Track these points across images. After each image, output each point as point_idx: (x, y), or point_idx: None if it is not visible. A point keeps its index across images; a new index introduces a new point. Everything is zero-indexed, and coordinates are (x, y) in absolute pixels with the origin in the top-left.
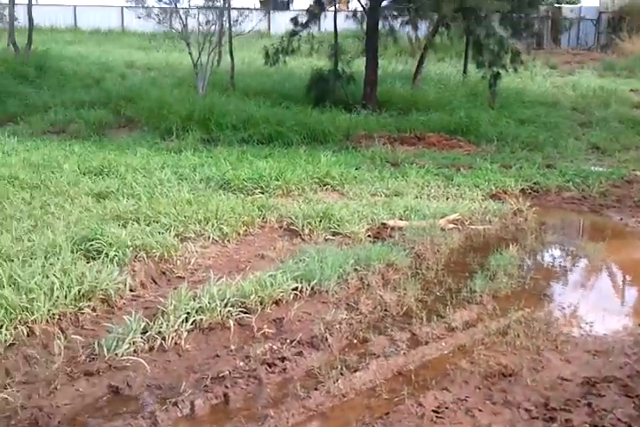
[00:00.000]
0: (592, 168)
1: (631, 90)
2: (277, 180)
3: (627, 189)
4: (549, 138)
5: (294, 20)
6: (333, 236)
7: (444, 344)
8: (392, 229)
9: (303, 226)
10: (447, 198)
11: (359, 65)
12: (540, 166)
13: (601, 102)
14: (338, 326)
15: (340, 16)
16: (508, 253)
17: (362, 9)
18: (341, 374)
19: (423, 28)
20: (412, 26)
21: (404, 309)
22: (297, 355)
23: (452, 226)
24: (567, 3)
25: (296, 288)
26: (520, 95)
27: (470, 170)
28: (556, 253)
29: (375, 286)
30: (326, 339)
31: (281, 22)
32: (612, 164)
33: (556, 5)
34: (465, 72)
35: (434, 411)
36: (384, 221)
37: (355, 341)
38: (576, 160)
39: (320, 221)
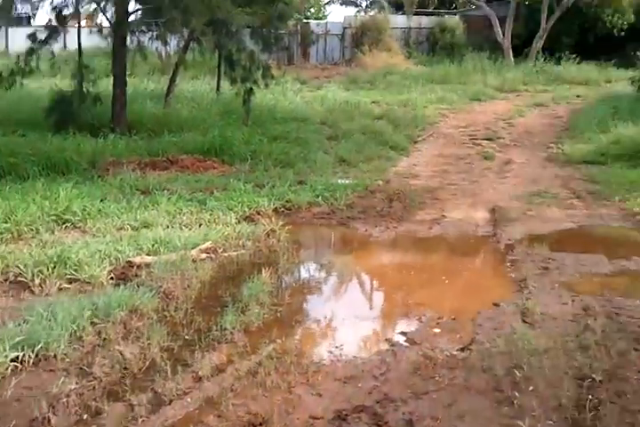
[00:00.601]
0: (339, 181)
1: (372, 102)
2: (6, 222)
3: (370, 200)
4: (300, 153)
5: (32, 37)
6: (69, 283)
7: (189, 400)
8: (139, 266)
9: (33, 276)
10: (200, 225)
11: (107, 85)
12: (293, 183)
13: (346, 116)
14: (65, 400)
15: (86, 32)
16: (260, 279)
17: (108, 23)
18: None
19: (174, 43)
20: (162, 41)
21: (147, 363)
22: None
23: (204, 256)
24: (315, 18)
25: (16, 358)
26: (272, 111)
27: (224, 192)
28: (307, 271)
29: (115, 339)
30: (49, 420)
31: (21, 39)
32: (357, 175)
33: (305, 21)
34: (218, 89)
35: None
36: (129, 259)
37: (85, 416)
38: (325, 174)
39: (54, 267)
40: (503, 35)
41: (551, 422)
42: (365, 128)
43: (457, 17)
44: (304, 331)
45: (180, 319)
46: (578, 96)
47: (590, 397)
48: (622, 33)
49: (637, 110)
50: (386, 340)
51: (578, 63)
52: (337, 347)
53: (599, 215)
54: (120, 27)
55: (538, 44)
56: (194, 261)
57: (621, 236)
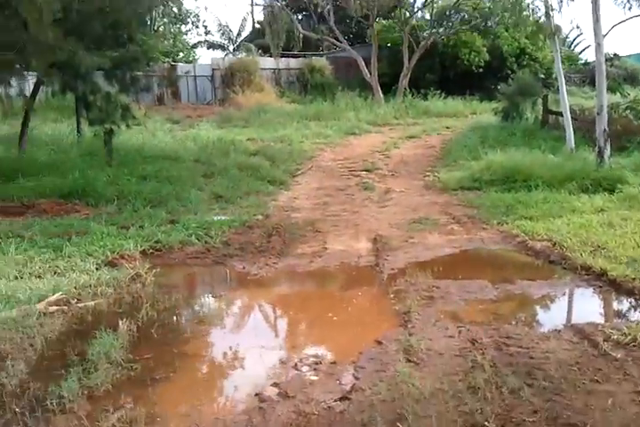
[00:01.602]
0: (215, 218)
1: (248, 139)
2: None
3: (248, 236)
4: (172, 192)
5: None
6: None
7: None
8: None
9: None
10: (55, 273)
11: None
12: (164, 223)
13: (221, 153)
14: None
15: None
16: (116, 332)
17: None
18: None
19: (26, 85)
20: (2, 84)
21: None
22: None
23: (54, 308)
24: (185, 62)
25: None
26: (140, 151)
27: (85, 236)
28: (173, 318)
29: None
30: None
31: None
32: (235, 211)
33: (173, 63)
34: (79, 131)
35: None
36: None
37: None
38: (200, 212)
39: None
40: (370, 74)
41: None
42: (242, 164)
43: (324, 58)
44: (160, 391)
45: (12, 388)
46: (447, 127)
47: None
48: (480, 69)
49: (503, 138)
50: (256, 395)
51: (444, 98)
52: (197, 408)
53: (480, 239)
54: None
55: (404, 81)
56: (41, 315)
57: (503, 258)
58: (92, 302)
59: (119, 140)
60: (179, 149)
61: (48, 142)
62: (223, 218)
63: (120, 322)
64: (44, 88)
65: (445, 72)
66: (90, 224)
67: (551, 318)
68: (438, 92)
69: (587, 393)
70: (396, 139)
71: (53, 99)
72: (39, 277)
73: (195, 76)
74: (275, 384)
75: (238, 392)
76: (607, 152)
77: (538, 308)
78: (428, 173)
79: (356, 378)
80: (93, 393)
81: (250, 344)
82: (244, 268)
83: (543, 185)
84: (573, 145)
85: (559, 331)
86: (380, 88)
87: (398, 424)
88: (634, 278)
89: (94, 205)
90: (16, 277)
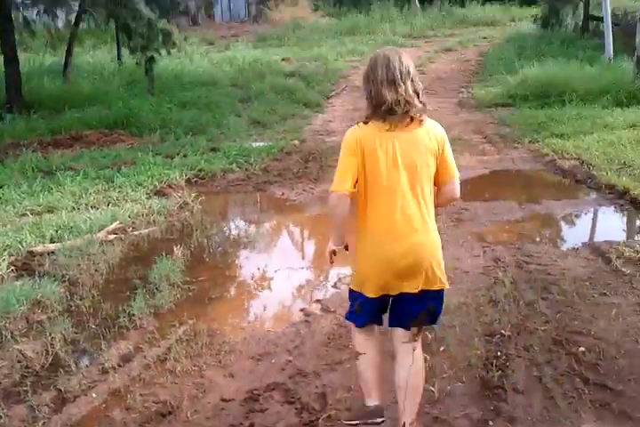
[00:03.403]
0: (254, 144)
1: (283, 59)
2: None
3: (286, 162)
4: (212, 119)
5: None
6: None
7: (94, 395)
8: (42, 255)
9: None
10: (108, 204)
11: None
12: (205, 151)
13: (257, 75)
14: None
15: None
16: (172, 257)
17: None
18: None
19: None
20: (50, 15)
21: (50, 359)
22: None
23: (112, 237)
24: None
25: None
26: (179, 77)
27: (133, 166)
28: (222, 244)
29: (14, 337)
30: None
31: None
32: (272, 136)
33: None
34: (119, 59)
35: None
36: (31, 249)
37: None
38: (239, 138)
39: None
40: None
41: (460, 383)
42: (277, 87)
43: None
44: (217, 309)
45: (86, 309)
46: (484, 38)
47: (499, 353)
48: None
49: (541, 49)
50: (301, 310)
51: (482, 4)
52: (251, 322)
53: (510, 159)
54: (2, 3)
55: None
56: (101, 243)
57: (532, 178)
58: (147, 230)
59: (158, 66)
60: (215, 73)
61: (90, 72)
62: (261, 144)
63: (175, 248)
64: (85, 17)
65: None
66: (137, 154)
67: (571, 236)
68: None
69: (594, 305)
70: (431, 53)
71: (97, 28)
72: (94, 207)
73: None
74: (317, 301)
75: (285, 308)
76: None
77: (560, 227)
78: (462, 90)
79: None
80: (159, 311)
81: (293, 266)
82: (282, 194)
83: (577, 99)
84: (612, 54)
85: (577, 249)
86: None
87: (426, 333)
88: None
89: (138, 134)
90: (73, 208)
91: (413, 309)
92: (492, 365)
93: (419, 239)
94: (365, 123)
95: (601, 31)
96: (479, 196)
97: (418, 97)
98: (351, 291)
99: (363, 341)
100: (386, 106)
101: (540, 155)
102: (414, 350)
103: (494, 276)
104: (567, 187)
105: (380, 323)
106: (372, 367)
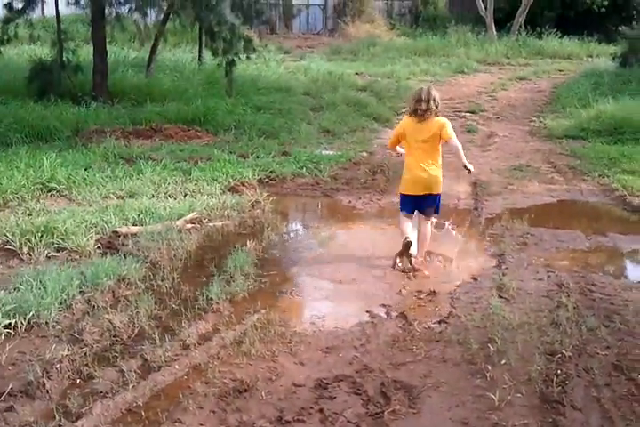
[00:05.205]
0: (323, 152)
1: (356, 73)
2: None
3: (354, 172)
4: (284, 124)
5: (8, 6)
6: (57, 252)
7: (177, 367)
8: (125, 236)
9: (21, 244)
10: (185, 195)
11: (88, 53)
12: (277, 154)
13: (330, 86)
14: (58, 366)
15: (64, 1)
16: (245, 250)
17: None
18: (59, 425)
19: (154, 15)
20: (140, 13)
21: (136, 331)
22: (7, 411)
23: (190, 226)
24: None
25: (9, 325)
26: (256, 82)
27: (209, 162)
28: (292, 242)
29: (104, 307)
30: (44, 384)
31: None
32: (341, 146)
33: None
34: (200, 59)
35: None
36: (116, 229)
37: (78, 380)
38: (309, 145)
39: (41, 235)
40: (485, 8)
41: (520, 394)
42: (349, 99)
43: None
44: (288, 302)
45: (166, 289)
46: (560, 70)
47: (559, 371)
48: (603, 9)
49: (618, 86)
50: (367, 311)
51: (560, 38)
52: (319, 318)
53: (578, 190)
54: None
55: (520, 18)
56: (179, 231)
57: (599, 211)
58: (221, 223)
59: (237, 70)
60: (290, 81)
61: (171, 69)
62: (331, 153)
63: (248, 242)
64: (172, 17)
65: (565, 10)
66: (212, 151)
67: (636, 271)
68: (554, 30)
69: None
70: (504, 80)
71: (179, 27)
72: (172, 196)
73: (307, 5)
74: (382, 305)
75: (351, 308)
76: None
77: (625, 260)
78: (534, 119)
79: (453, 307)
80: (234, 298)
81: (358, 270)
82: (349, 202)
83: None
84: None
85: None
86: (494, 24)
87: (489, 345)
88: None
89: (214, 132)
90: (153, 195)
91: (425, 203)
92: (551, 381)
93: (428, 171)
94: (409, 115)
95: None
96: (545, 222)
97: (436, 107)
98: (401, 195)
99: (405, 219)
100: (414, 110)
101: (610, 189)
102: (426, 224)
103: (557, 300)
104: (635, 223)
105: (412, 212)
106: (406, 227)
